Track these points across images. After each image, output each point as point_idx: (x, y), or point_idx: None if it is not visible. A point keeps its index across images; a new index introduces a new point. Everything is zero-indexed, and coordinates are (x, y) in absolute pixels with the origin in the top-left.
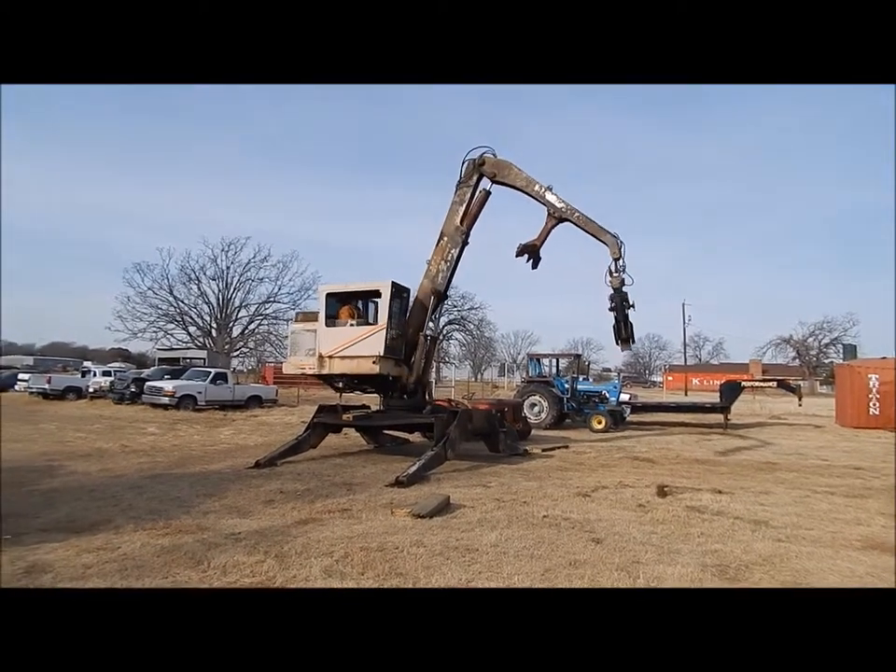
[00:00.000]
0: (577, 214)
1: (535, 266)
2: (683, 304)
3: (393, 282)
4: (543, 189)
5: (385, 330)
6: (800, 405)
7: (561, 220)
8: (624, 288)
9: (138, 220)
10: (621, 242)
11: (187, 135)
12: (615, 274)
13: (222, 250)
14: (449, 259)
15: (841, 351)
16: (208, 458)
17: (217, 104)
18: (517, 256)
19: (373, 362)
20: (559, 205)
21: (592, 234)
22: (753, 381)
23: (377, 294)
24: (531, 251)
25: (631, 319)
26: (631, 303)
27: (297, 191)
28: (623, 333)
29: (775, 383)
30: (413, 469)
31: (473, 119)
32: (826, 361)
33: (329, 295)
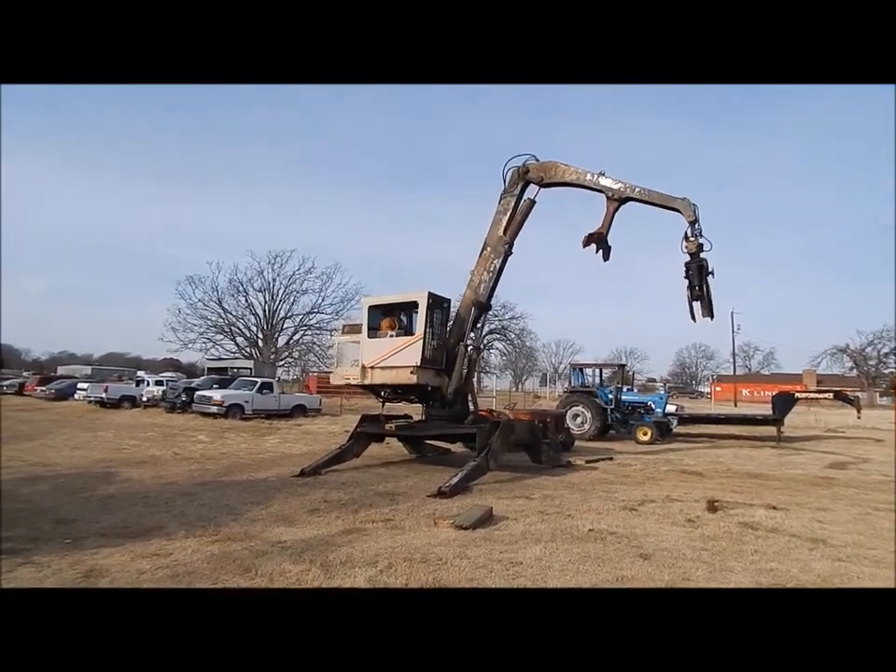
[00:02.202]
0: (637, 189)
1: (606, 257)
2: (732, 313)
3: (430, 292)
4: (596, 176)
5: (421, 341)
6: (859, 418)
7: (622, 201)
8: (703, 254)
9: (191, 235)
10: (693, 204)
11: (238, 153)
12: (691, 239)
13: (269, 263)
14: (492, 269)
15: None
16: (255, 466)
17: (259, 120)
18: (585, 246)
19: (411, 372)
20: (616, 187)
21: (659, 205)
22: (808, 392)
23: (416, 305)
24: (598, 240)
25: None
26: (710, 269)
27: (340, 203)
28: (703, 302)
29: (831, 394)
30: (456, 479)
31: (511, 128)
32: (886, 371)
33: (371, 307)
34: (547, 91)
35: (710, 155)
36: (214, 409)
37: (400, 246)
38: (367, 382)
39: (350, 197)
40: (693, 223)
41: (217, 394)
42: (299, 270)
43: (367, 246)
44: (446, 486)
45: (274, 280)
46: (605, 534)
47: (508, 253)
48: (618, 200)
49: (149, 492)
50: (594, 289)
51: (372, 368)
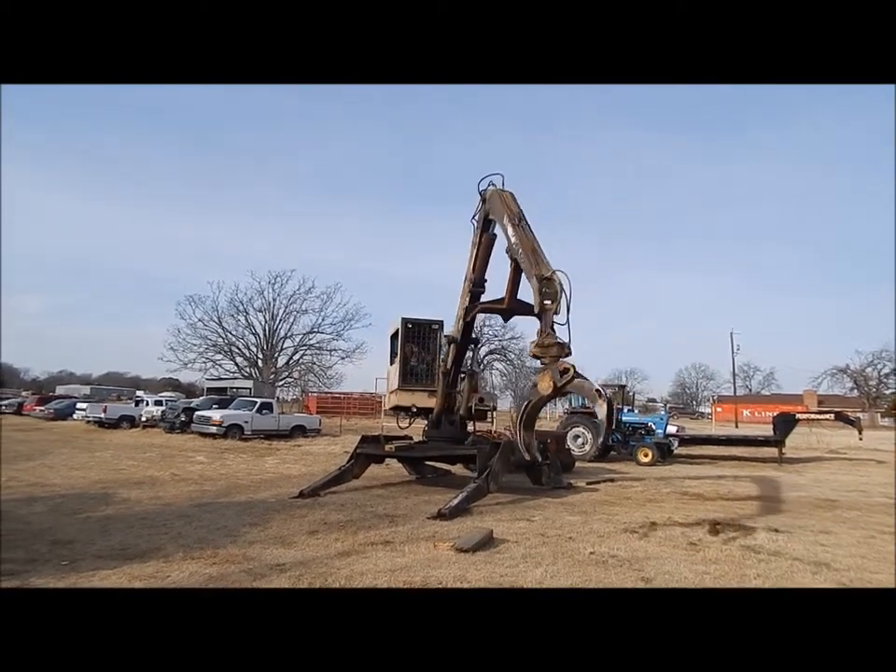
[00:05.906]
0: (521, 251)
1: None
2: (731, 333)
3: (403, 318)
4: (507, 222)
5: (397, 365)
6: (860, 439)
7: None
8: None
9: (192, 254)
10: (554, 288)
11: (240, 170)
12: (534, 345)
13: (269, 283)
14: (464, 307)
15: None
16: (254, 487)
17: (260, 137)
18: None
19: (394, 395)
20: (512, 240)
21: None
22: (809, 413)
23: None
24: (501, 311)
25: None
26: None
27: (339, 222)
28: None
29: (832, 415)
30: (456, 501)
31: (515, 141)
32: (887, 392)
33: (392, 336)
34: (547, 100)
35: (705, 173)
36: (213, 429)
37: (403, 264)
38: (392, 405)
39: (354, 214)
40: (540, 315)
41: (216, 414)
42: (299, 290)
43: (369, 265)
44: (446, 508)
45: (275, 300)
46: (606, 557)
47: (475, 293)
48: (513, 259)
49: (147, 513)
50: (593, 309)
51: (391, 392)
